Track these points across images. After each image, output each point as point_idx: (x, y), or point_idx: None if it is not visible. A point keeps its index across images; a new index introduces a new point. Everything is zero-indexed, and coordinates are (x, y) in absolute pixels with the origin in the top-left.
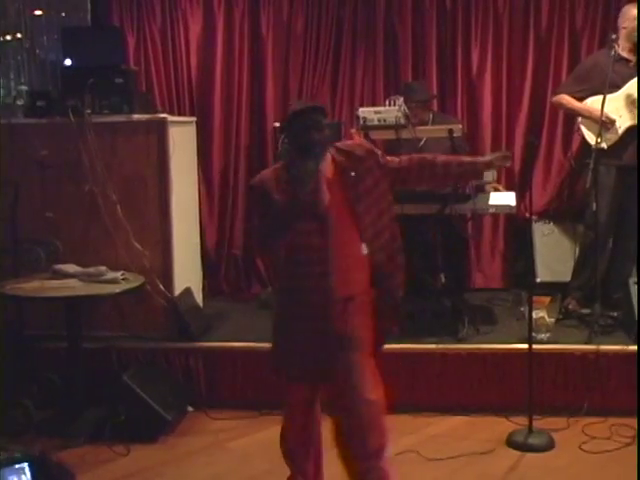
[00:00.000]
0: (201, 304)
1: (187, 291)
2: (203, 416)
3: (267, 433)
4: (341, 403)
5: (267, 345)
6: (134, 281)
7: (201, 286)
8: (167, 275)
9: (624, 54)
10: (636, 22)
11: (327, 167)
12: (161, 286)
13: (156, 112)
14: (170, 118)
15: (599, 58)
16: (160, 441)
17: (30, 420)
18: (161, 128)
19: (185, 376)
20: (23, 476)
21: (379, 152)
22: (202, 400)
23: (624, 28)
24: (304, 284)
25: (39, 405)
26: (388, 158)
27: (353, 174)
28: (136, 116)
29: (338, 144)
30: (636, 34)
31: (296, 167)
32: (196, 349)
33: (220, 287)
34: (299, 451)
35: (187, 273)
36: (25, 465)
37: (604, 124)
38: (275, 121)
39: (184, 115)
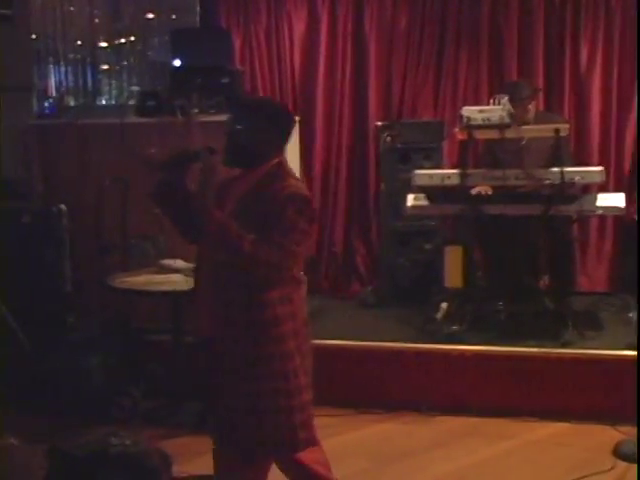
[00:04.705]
0: None
1: None
2: None
3: (364, 432)
4: None
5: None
6: None
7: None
8: None
9: None
10: None
11: None
12: None
13: None
14: None
15: None
16: None
17: (136, 408)
18: None
19: None
20: None
21: None
22: None
23: None
24: None
25: (144, 395)
26: None
27: None
28: None
29: None
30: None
31: None
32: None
33: (320, 284)
34: None
35: None
36: None
37: None
38: (377, 120)
39: None
